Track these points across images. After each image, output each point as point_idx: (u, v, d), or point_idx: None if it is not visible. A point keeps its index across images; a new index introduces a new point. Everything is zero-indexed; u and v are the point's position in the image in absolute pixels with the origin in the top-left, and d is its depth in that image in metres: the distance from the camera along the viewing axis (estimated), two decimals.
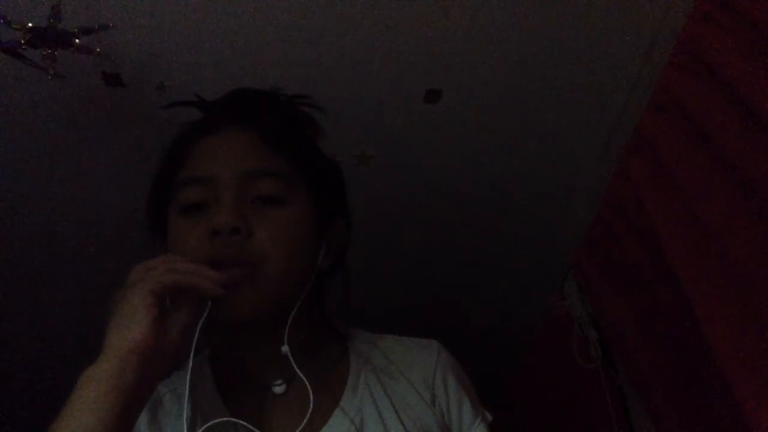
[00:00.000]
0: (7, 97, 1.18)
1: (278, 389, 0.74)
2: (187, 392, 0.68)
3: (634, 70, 1.19)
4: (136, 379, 0.59)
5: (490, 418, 0.80)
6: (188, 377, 0.66)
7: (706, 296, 1.04)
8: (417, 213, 1.57)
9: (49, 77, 0.93)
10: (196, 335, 0.65)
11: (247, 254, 0.68)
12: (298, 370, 0.70)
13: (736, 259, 0.97)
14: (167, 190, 0.76)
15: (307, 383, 0.70)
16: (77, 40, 0.93)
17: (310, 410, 0.70)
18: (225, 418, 0.70)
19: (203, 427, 0.68)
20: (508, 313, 1.92)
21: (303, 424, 0.69)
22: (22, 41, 0.92)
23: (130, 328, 0.60)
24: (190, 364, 0.66)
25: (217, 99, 0.83)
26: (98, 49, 0.95)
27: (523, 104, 1.28)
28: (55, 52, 0.93)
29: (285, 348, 0.71)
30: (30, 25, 0.92)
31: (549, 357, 1.88)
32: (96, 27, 0.95)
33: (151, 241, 0.80)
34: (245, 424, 0.69)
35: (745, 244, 0.96)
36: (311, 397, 0.70)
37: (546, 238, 1.63)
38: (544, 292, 1.78)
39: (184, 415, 0.68)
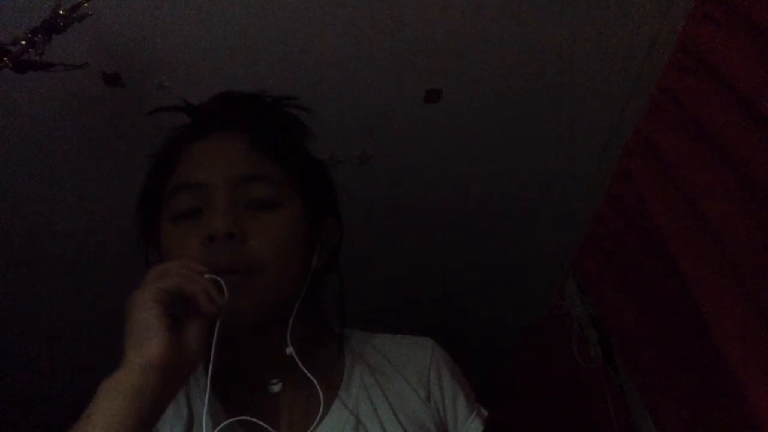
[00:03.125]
0: (7, 97, 1.18)
1: (275, 388, 0.75)
2: (208, 393, 0.68)
3: (634, 70, 1.19)
4: (157, 393, 0.59)
5: (485, 413, 0.81)
6: (209, 381, 0.66)
7: (712, 295, 1.04)
8: (417, 213, 1.57)
9: (37, 57, 0.92)
10: (215, 341, 0.65)
11: (243, 260, 0.69)
12: (304, 369, 0.71)
13: (741, 257, 0.97)
14: (158, 198, 0.76)
15: (313, 379, 0.71)
16: (62, 20, 0.92)
17: (321, 405, 0.71)
18: (237, 418, 0.70)
19: (218, 427, 0.68)
20: (508, 313, 1.92)
21: (317, 419, 0.71)
22: (25, 46, 0.92)
23: (147, 344, 0.59)
24: (211, 368, 0.65)
25: (203, 103, 0.83)
26: (77, 17, 0.93)
27: (522, 104, 1.28)
28: (47, 38, 0.92)
29: (290, 349, 0.72)
30: (29, 35, 0.92)
31: (549, 357, 1.88)
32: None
33: (142, 249, 0.80)
34: (255, 420, 0.69)
35: (748, 242, 0.96)
36: (320, 391, 0.71)
37: (546, 238, 1.63)
38: (544, 292, 1.78)
39: (204, 418, 0.68)
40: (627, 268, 1.38)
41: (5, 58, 0.89)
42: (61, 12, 0.92)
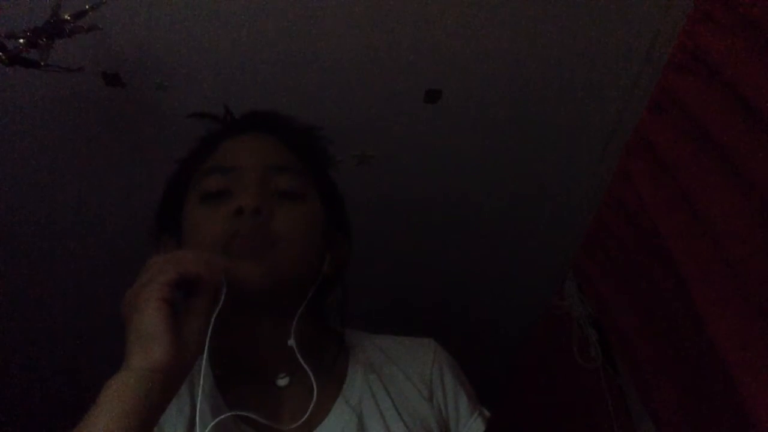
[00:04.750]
0: (7, 97, 1.18)
1: (282, 382, 0.75)
2: (200, 387, 0.67)
3: (634, 70, 1.19)
4: (160, 396, 0.59)
5: (487, 414, 0.81)
6: (202, 372, 0.66)
7: (710, 296, 1.04)
8: (417, 213, 1.57)
9: (42, 64, 0.93)
10: (210, 331, 0.65)
11: (265, 233, 0.71)
12: (302, 361, 0.71)
13: (739, 258, 0.97)
14: (185, 186, 0.78)
15: (309, 372, 0.71)
16: (69, 25, 0.93)
17: (313, 399, 0.71)
18: (233, 413, 0.70)
19: (212, 423, 0.68)
20: (508, 313, 1.92)
21: (307, 413, 0.70)
22: (23, 44, 0.92)
23: (152, 349, 0.59)
24: (205, 357, 0.65)
25: (240, 116, 0.88)
26: (85, 26, 0.94)
27: (522, 104, 1.28)
28: (50, 41, 0.93)
29: (291, 341, 0.72)
30: (28, 33, 0.92)
31: (549, 357, 1.88)
32: (88, 7, 0.95)
33: (156, 239, 0.81)
34: (252, 415, 0.69)
35: (747, 243, 0.96)
36: (314, 385, 0.71)
37: (546, 238, 1.63)
38: (544, 292, 1.78)
39: (197, 414, 0.68)
40: (627, 268, 1.38)
41: (1, 54, 0.90)
42: (67, 17, 0.92)
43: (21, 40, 0.92)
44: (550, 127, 1.33)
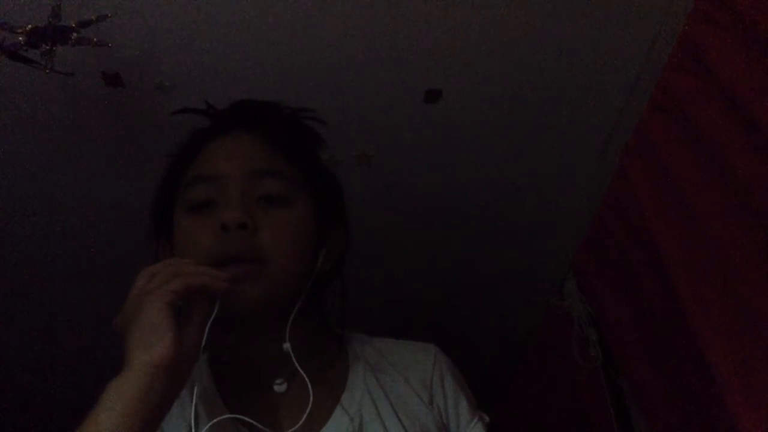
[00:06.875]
0: (7, 97, 1.18)
1: (279, 388, 0.75)
2: (195, 392, 0.69)
3: (634, 70, 1.19)
4: (163, 393, 0.59)
5: (487, 419, 0.81)
6: (195, 377, 0.66)
7: (699, 297, 1.05)
8: (417, 213, 1.57)
9: (46, 72, 0.93)
10: (205, 336, 0.66)
11: (252, 250, 0.70)
12: (299, 367, 0.71)
13: (731, 260, 0.98)
14: (174, 192, 0.77)
15: (307, 380, 0.71)
16: (75, 34, 0.93)
17: (309, 407, 0.71)
18: (227, 415, 0.71)
19: (208, 425, 0.69)
20: (508, 313, 1.92)
21: (302, 420, 0.70)
22: (23, 42, 0.92)
23: (154, 344, 0.60)
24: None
25: (224, 108, 0.86)
26: (95, 39, 0.95)
27: (523, 104, 1.28)
28: (54, 48, 0.93)
29: (286, 345, 0.72)
30: (30, 27, 0.92)
31: (549, 357, 1.88)
32: (94, 18, 0.95)
33: (153, 243, 0.81)
34: (247, 419, 0.70)
35: (740, 245, 0.96)
36: (311, 394, 0.71)
37: (546, 238, 1.63)
38: (544, 292, 1.78)
39: (192, 414, 0.68)
40: (624, 269, 1.38)
41: None
42: (72, 24, 0.92)
43: (20, 38, 0.92)
44: (550, 127, 1.33)
